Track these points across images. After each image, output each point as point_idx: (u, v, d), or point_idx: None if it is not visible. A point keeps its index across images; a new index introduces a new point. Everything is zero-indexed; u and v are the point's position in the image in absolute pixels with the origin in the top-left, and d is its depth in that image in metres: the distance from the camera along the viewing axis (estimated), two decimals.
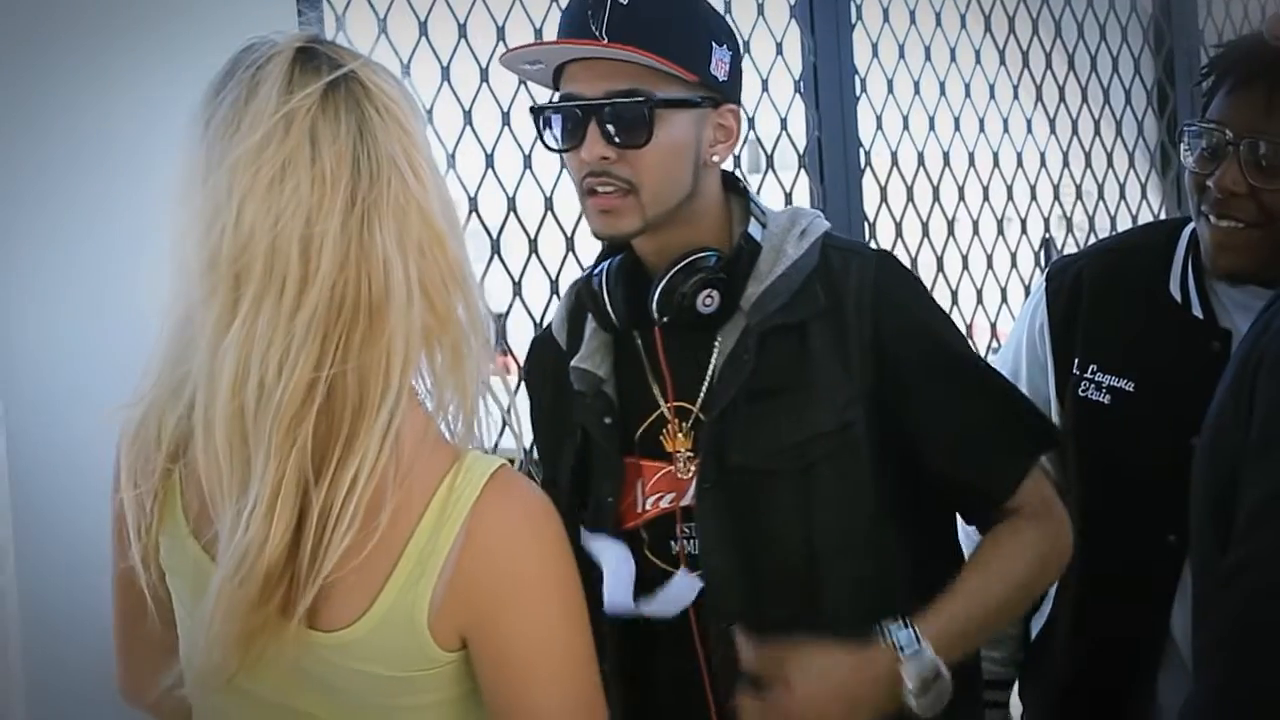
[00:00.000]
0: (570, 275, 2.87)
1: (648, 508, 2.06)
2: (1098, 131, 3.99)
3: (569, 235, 2.91)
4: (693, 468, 2.02)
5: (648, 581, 2.04)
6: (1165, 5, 4.10)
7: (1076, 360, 2.24)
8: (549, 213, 2.91)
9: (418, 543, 1.50)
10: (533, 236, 2.86)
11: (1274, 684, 1.27)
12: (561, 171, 2.89)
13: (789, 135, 3.30)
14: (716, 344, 2.02)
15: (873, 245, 2.15)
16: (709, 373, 2.02)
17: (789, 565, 1.98)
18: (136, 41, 2.28)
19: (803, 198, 3.28)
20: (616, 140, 1.93)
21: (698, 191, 2.00)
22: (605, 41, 1.91)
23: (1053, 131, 3.92)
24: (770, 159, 3.33)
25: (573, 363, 2.09)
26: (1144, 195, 4.06)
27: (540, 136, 2.02)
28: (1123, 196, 4.02)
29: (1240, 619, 1.32)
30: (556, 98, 1.99)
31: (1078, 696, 2.25)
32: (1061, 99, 3.92)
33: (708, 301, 1.99)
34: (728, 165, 2.09)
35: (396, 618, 1.50)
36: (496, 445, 2.58)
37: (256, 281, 1.48)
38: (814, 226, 2.06)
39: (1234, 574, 1.32)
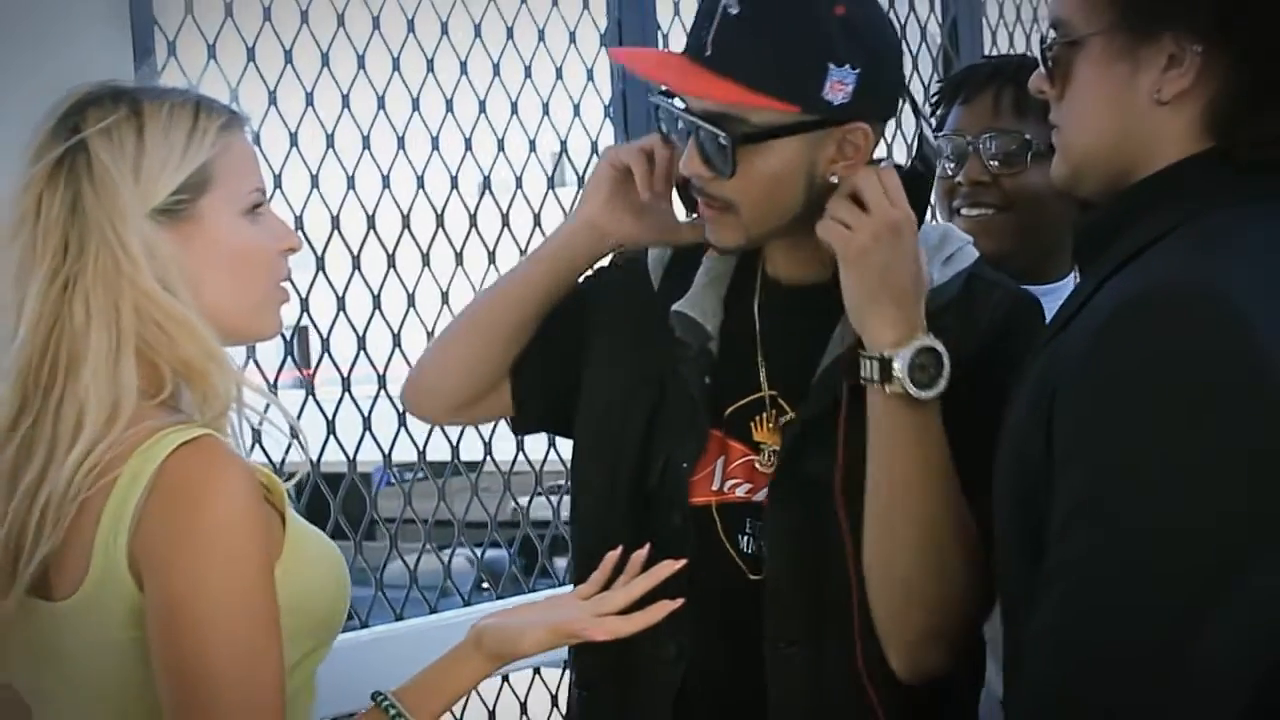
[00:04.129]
0: (391, 291, 3.03)
1: (725, 490, 1.95)
2: (889, 154, 4.23)
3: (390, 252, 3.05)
4: (776, 463, 1.93)
5: (717, 573, 1.93)
6: (953, 35, 4.35)
7: None
8: (371, 231, 3.06)
9: (114, 501, 1.64)
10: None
11: (1080, 689, 1.46)
12: (382, 193, 3.04)
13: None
14: (833, 338, 1.91)
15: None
16: (816, 369, 1.91)
17: (846, 588, 1.87)
18: None
19: None
20: (704, 159, 1.85)
21: (814, 209, 1.87)
22: (705, 59, 1.82)
23: None
24: (581, 179, 3.50)
25: (676, 306, 1.96)
26: (934, 216, 4.29)
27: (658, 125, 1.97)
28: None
29: (1048, 629, 1.49)
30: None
31: None
32: None
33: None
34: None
35: (109, 576, 1.64)
36: (283, 461, 2.74)
37: None
38: (963, 254, 1.96)
39: (1044, 584, 1.51)
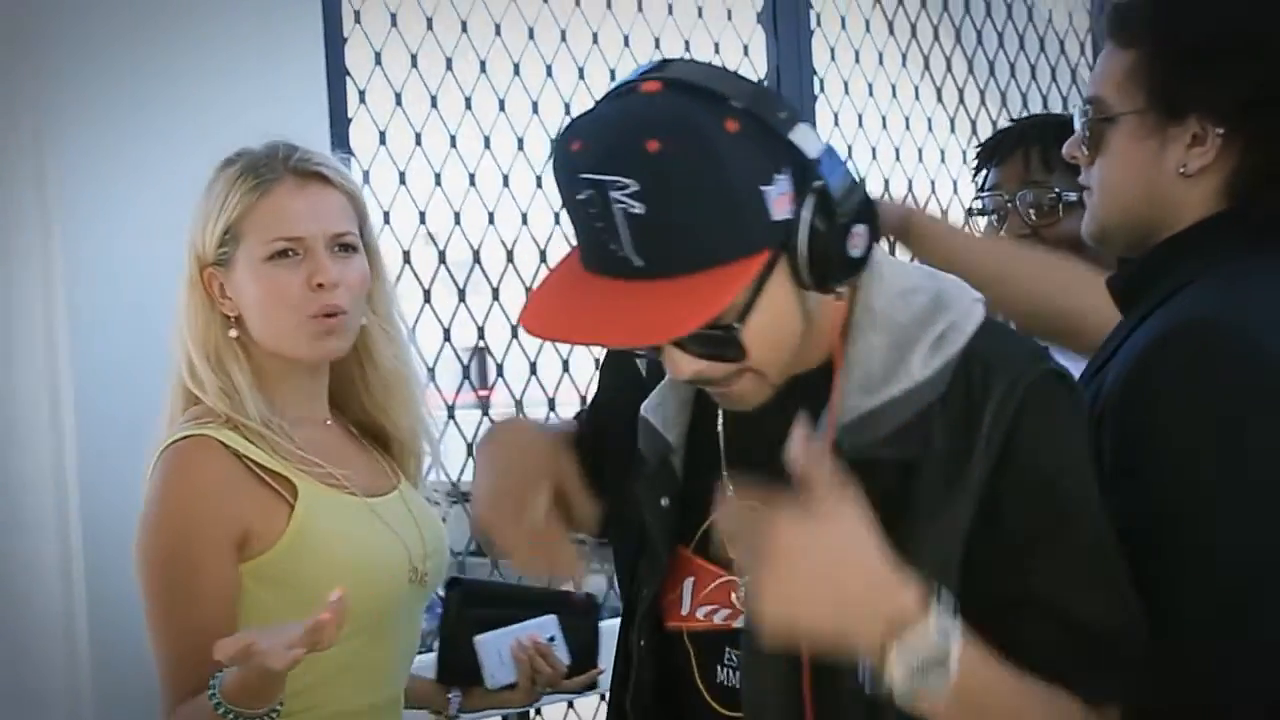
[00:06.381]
0: None
1: (698, 616, 1.70)
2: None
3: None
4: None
5: (689, 706, 1.71)
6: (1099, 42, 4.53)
7: None
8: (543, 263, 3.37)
9: None
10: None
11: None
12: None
13: None
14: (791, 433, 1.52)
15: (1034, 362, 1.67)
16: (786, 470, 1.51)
17: None
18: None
19: None
20: (707, 357, 1.56)
21: (813, 316, 1.60)
22: (641, 271, 1.49)
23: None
24: None
25: (641, 410, 1.69)
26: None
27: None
28: None
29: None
30: None
31: None
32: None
33: None
34: None
35: None
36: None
37: None
38: (956, 328, 1.62)
39: None
